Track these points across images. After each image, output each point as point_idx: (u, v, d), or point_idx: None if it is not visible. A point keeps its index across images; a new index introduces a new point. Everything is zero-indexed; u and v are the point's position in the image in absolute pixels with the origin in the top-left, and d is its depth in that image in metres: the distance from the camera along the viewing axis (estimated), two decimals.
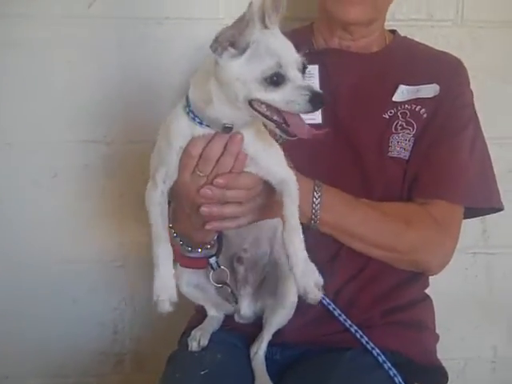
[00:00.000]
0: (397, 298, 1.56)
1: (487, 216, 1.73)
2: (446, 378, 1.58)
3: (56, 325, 2.01)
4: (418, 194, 1.53)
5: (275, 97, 1.10)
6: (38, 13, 1.84)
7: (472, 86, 1.65)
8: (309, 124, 1.46)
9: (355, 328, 1.48)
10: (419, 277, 1.59)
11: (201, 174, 1.21)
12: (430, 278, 1.64)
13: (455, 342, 2.08)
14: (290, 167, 1.28)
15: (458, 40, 1.93)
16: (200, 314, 1.58)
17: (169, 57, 1.89)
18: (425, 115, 1.56)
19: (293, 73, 1.11)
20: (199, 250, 1.38)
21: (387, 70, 1.61)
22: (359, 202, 1.47)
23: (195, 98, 1.19)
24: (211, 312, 1.55)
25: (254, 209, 1.28)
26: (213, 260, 1.39)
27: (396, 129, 1.55)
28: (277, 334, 1.49)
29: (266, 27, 1.14)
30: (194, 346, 1.49)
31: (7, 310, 1.97)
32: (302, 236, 1.22)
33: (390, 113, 1.56)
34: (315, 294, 1.19)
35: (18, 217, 1.95)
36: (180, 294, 1.48)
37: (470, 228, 1.80)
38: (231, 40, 1.10)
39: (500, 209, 1.64)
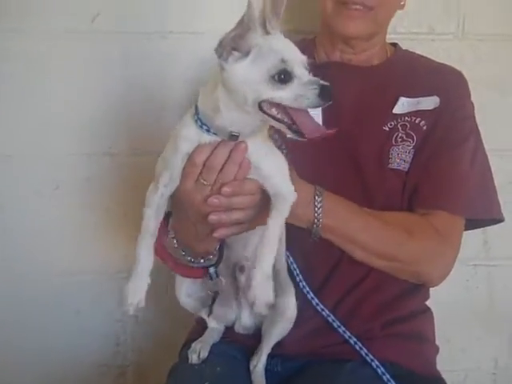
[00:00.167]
0: (397, 309, 1.56)
1: (488, 227, 1.74)
2: None
3: (58, 336, 2.01)
4: (418, 205, 1.54)
5: (283, 94, 1.11)
6: (42, 27, 1.86)
7: (473, 99, 1.65)
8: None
9: (354, 340, 1.48)
10: (420, 288, 1.59)
11: (205, 183, 1.22)
12: (431, 289, 1.63)
13: (456, 353, 2.08)
14: (292, 174, 1.29)
15: (459, 53, 1.95)
16: (200, 326, 1.58)
17: (173, 70, 1.91)
18: (425, 127, 1.57)
19: (299, 70, 1.12)
20: (202, 260, 1.38)
21: (388, 83, 1.63)
22: (361, 210, 1.47)
23: (204, 106, 1.20)
24: (211, 324, 1.55)
25: (257, 213, 1.29)
26: (212, 269, 1.39)
27: (396, 141, 1.56)
28: (277, 345, 1.49)
29: (267, 33, 1.16)
30: (194, 358, 1.49)
31: (9, 320, 1.98)
32: (275, 251, 1.23)
33: (391, 125, 1.57)
34: (261, 310, 1.22)
35: (20, 228, 1.96)
36: (181, 306, 1.52)
37: (471, 239, 1.81)
38: (234, 44, 1.12)
39: (500, 220, 1.64)
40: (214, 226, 1.28)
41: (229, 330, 1.55)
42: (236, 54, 1.12)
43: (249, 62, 1.12)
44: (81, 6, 1.86)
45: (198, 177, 1.23)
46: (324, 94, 1.10)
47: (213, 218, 1.26)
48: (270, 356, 1.50)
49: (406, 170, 1.55)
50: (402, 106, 1.59)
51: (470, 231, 1.64)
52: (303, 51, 1.63)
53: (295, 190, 1.27)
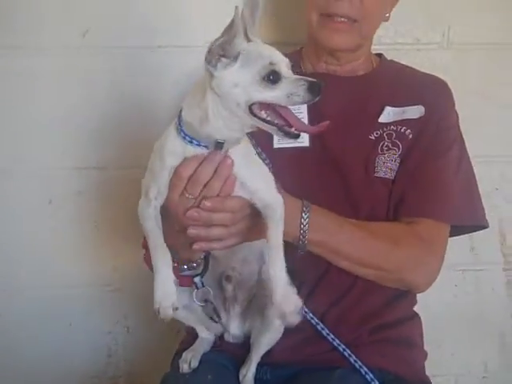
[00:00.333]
0: (385, 315, 1.58)
1: (474, 233, 1.75)
2: None
3: (50, 348, 2.03)
4: (404, 213, 1.56)
5: (275, 94, 1.14)
6: (32, 43, 1.88)
7: (458, 107, 1.68)
8: (297, 147, 1.54)
9: (343, 347, 1.49)
10: (407, 294, 1.61)
11: (189, 196, 1.24)
12: (421, 294, 1.65)
13: (446, 358, 2.10)
14: (278, 188, 1.31)
15: (444, 63, 1.97)
16: (191, 336, 1.59)
17: (161, 84, 1.93)
18: (410, 136, 1.58)
19: (285, 69, 1.17)
20: (185, 267, 1.40)
21: (373, 92, 1.65)
22: (346, 222, 1.48)
23: (189, 117, 1.22)
24: (201, 333, 1.56)
25: (239, 231, 1.31)
26: (197, 279, 1.40)
27: (382, 150, 1.58)
28: (266, 354, 1.51)
29: (249, 40, 1.20)
30: (184, 368, 1.50)
31: (0, 332, 1.99)
32: (283, 259, 1.25)
33: (376, 134, 1.59)
34: (294, 319, 1.24)
35: (13, 241, 1.98)
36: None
37: (459, 245, 1.84)
38: (222, 51, 1.15)
39: (485, 226, 1.67)
40: (193, 239, 1.30)
41: (219, 339, 1.56)
42: (224, 60, 1.16)
43: (238, 66, 1.16)
44: (70, 22, 1.88)
45: (183, 190, 1.24)
46: (313, 89, 1.14)
47: (191, 231, 1.28)
48: (260, 365, 1.52)
49: (392, 178, 1.57)
50: (388, 115, 1.61)
51: (456, 237, 1.66)
52: (290, 63, 1.67)
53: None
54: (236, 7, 1.12)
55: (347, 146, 1.59)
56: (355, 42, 1.61)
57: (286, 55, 1.74)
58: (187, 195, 1.24)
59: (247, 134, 1.27)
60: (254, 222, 1.29)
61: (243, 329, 1.51)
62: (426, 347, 1.69)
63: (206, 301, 1.43)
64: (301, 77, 1.17)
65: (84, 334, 2.04)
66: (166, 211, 1.29)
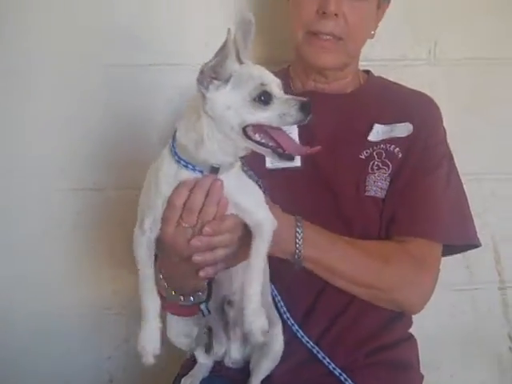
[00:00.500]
0: (380, 338, 1.57)
1: (469, 252, 1.71)
2: None
3: (51, 373, 2.00)
4: (395, 233, 1.55)
5: (267, 115, 1.16)
6: (30, 63, 1.89)
7: (446, 124, 1.67)
8: (289, 167, 1.52)
9: (339, 371, 1.48)
10: (402, 316, 1.59)
11: (186, 226, 1.23)
12: (418, 316, 1.62)
13: (445, 379, 2.07)
14: (271, 204, 1.31)
15: (431, 79, 1.96)
16: (190, 361, 1.58)
17: (154, 103, 1.93)
18: (400, 155, 1.58)
19: (276, 90, 1.18)
20: (192, 298, 1.38)
21: (362, 110, 1.65)
22: (340, 239, 1.49)
23: (184, 140, 1.22)
24: (201, 359, 1.54)
25: (241, 247, 1.30)
26: (203, 306, 1.39)
27: (372, 169, 1.57)
28: (265, 378, 1.49)
29: (241, 62, 1.21)
30: None
31: (1, 360, 1.97)
32: (261, 279, 1.26)
33: (366, 153, 1.59)
34: (258, 338, 1.25)
35: (9, 265, 1.96)
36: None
37: (454, 264, 1.82)
38: (213, 74, 1.16)
39: (477, 245, 1.64)
40: (199, 265, 1.28)
41: (218, 364, 1.55)
42: (216, 82, 1.16)
43: (230, 87, 1.17)
44: (69, 41, 1.89)
45: (178, 220, 1.23)
46: (304, 108, 1.16)
47: (197, 258, 1.26)
48: None
49: (383, 197, 1.56)
50: (377, 133, 1.61)
51: (451, 256, 1.64)
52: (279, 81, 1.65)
53: (276, 219, 1.28)
54: (228, 29, 1.12)
55: (338, 165, 1.59)
56: (342, 60, 1.61)
57: (274, 73, 1.76)
58: (184, 224, 1.22)
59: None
60: (247, 240, 1.28)
61: (243, 353, 1.50)
62: (423, 369, 1.66)
63: (208, 329, 1.44)
64: (292, 97, 1.18)
65: (84, 359, 2.02)
66: (163, 246, 1.28)
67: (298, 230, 1.38)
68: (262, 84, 1.16)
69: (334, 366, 1.49)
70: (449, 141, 1.67)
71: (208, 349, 1.46)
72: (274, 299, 1.49)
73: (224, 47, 1.14)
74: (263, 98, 1.15)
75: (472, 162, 1.96)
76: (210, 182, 1.22)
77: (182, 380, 1.54)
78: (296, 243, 1.38)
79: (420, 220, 1.55)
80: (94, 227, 1.97)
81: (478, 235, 1.65)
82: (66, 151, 1.93)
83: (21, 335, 1.99)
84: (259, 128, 1.17)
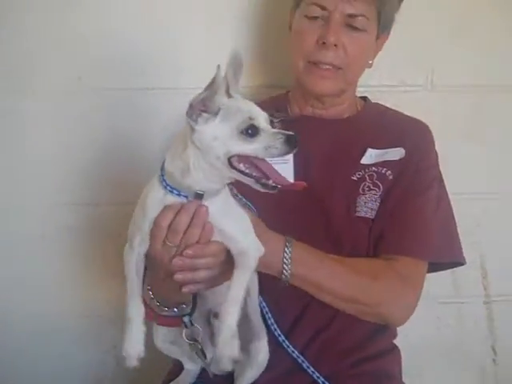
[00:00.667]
0: (365, 349, 1.62)
1: (457, 268, 1.77)
2: None
3: (49, 373, 2.07)
4: (383, 251, 1.60)
5: (253, 147, 1.21)
6: (27, 86, 1.97)
7: (442, 147, 1.75)
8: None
9: (323, 380, 1.54)
10: (386, 328, 1.66)
11: (170, 245, 1.29)
12: (404, 327, 1.67)
13: None
14: (260, 224, 1.37)
15: (428, 104, 2.05)
16: (177, 367, 1.64)
17: (150, 125, 2.00)
18: (391, 177, 1.64)
19: (264, 124, 1.23)
20: (175, 310, 1.45)
21: (357, 135, 1.71)
22: (328, 257, 1.53)
23: (171, 168, 1.27)
24: (187, 365, 1.60)
25: (223, 271, 1.36)
26: (186, 319, 1.45)
27: (363, 190, 1.63)
28: None
29: (230, 96, 1.27)
30: None
31: None
32: (239, 309, 1.30)
33: (359, 175, 1.65)
34: (227, 366, 1.30)
35: (4, 276, 2.03)
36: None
37: (441, 279, 1.88)
38: (203, 107, 1.21)
39: (462, 263, 1.72)
40: (181, 283, 1.35)
41: (204, 371, 1.59)
42: (205, 115, 1.22)
43: (218, 120, 1.22)
44: (67, 64, 1.96)
45: (164, 239, 1.29)
46: (289, 142, 1.21)
47: (178, 276, 1.33)
48: None
49: (373, 217, 1.61)
50: (370, 157, 1.67)
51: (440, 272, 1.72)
52: (276, 107, 1.74)
53: (265, 241, 1.35)
54: (218, 66, 1.18)
55: (330, 185, 1.65)
56: (339, 87, 1.68)
57: (273, 98, 1.85)
58: (169, 243, 1.29)
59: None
60: (231, 263, 1.34)
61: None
62: (407, 379, 1.73)
63: (194, 340, 1.47)
64: (278, 130, 1.24)
65: (75, 365, 2.08)
66: (151, 260, 1.35)
67: (286, 250, 1.43)
68: (250, 118, 1.21)
69: (318, 375, 1.54)
70: (443, 163, 1.74)
71: (201, 356, 1.49)
72: (261, 310, 1.54)
73: (213, 83, 1.18)
74: (250, 131, 1.20)
75: (465, 183, 2.05)
76: (195, 206, 1.27)
77: None
78: (284, 263, 1.42)
79: (407, 239, 1.60)
80: (89, 241, 2.04)
81: (468, 252, 1.73)
82: (64, 168, 2.01)
83: (18, 336, 2.05)
84: (244, 158, 1.22)
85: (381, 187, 1.64)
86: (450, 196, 1.74)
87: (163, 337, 1.53)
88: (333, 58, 1.63)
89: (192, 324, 1.46)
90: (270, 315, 1.55)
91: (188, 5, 1.97)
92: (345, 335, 1.60)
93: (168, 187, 1.28)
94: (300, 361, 1.55)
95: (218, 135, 1.22)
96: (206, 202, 1.29)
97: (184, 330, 1.47)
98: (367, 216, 1.62)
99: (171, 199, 1.28)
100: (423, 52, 2.05)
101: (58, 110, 1.99)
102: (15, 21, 1.93)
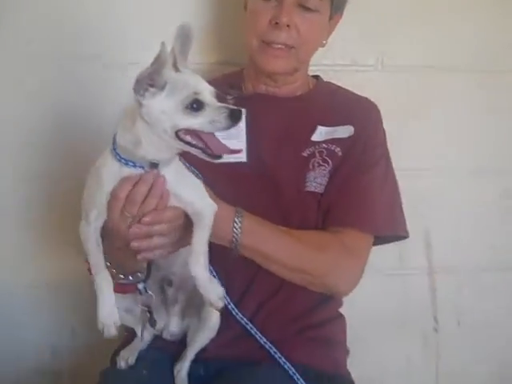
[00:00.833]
0: (310, 317, 1.68)
1: (401, 241, 1.84)
2: None
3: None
4: (330, 223, 1.66)
5: (198, 121, 1.24)
6: None
7: (390, 125, 1.82)
8: (235, 162, 1.64)
9: (269, 345, 1.60)
10: (332, 297, 1.72)
11: (128, 215, 1.33)
12: (351, 297, 1.72)
13: (372, 354, 2.20)
14: (213, 196, 1.41)
15: (379, 84, 2.12)
16: (131, 335, 1.67)
17: (111, 98, 1.98)
18: (340, 153, 1.70)
19: (209, 98, 1.25)
20: (130, 278, 1.49)
21: (308, 113, 1.76)
22: (277, 229, 1.58)
23: (123, 141, 1.31)
24: (139, 333, 1.62)
25: (177, 238, 1.40)
26: (141, 286, 1.50)
27: (313, 166, 1.68)
28: (200, 351, 1.60)
29: (178, 70, 1.29)
30: (122, 364, 1.60)
31: None
32: (206, 258, 1.37)
33: (309, 151, 1.70)
34: (218, 305, 1.39)
35: None
36: None
37: (387, 251, 1.93)
38: (150, 81, 1.23)
39: (405, 236, 1.79)
40: (137, 251, 1.39)
41: (156, 337, 1.64)
42: (152, 89, 1.24)
43: (165, 95, 1.24)
44: (12, 31, 1.95)
45: (121, 210, 1.32)
46: (233, 116, 1.24)
47: (134, 244, 1.37)
48: (194, 361, 1.60)
49: (322, 192, 1.67)
50: (320, 134, 1.73)
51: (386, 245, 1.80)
52: (232, 83, 1.78)
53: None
54: (162, 42, 1.20)
55: (281, 161, 1.70)
56: (292, 66, 1.72)
57: (226, 75, 1.89)
58: (126, 214, 1.33)
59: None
60: (189, 229, 1.39)
61: (182, 327, 1.61)
62: (352, 346, 1.81)
63: (147, 306, 1.52)
64: (223, 105, 1.26)
65: (30, 333, 2.11)
66: (107, 230, 1.38)
67: (236, 220, 1.48)
68: (195, 92, 1.23)
69: (265, 340, 1.59)
70: (391, 140, 1.80)
71: (153, 324, 1.54)
72: None
73: (158, 57, 1.20)
74: (195, 106, 1.23)
75: (411, 160, 2.13)
76: (153, 176, 1.30)
77: (121, 352, 1.63)
78: (234, 232, 1.47)
79: (353, 213, 1.66)
80: (45, 213, 2.04)
81: (413, 225, 1.79)
82: (20, 141, 2.00)
83: None
84: (191, 131, 1.26)
85: (330, 163, 1.69)
86: (398, 172, 1.80)
87: (118, 305, 1.52)
88: (285, 38, 1.66)
89: (146, 291, 1.50)
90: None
91: None
92: (291, 304, 1.66)
93: (123, 160, 1.31)
94: (248, 327, 1.60)
95: (165, 110, 1.24)
96: (162, 172, 1.31)
97: (138, 297, 1.51)
98: (316, 191, 1.68)
99: (127, 171, 1.31)
100: (374, 33, 2.11)
101: (15, 81, 1.97)
102: None
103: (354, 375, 1.77)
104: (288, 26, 1.65)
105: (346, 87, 1.89)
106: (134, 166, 1.31)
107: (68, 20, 1.96)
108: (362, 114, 1.78)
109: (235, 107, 1.26)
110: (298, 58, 1.72)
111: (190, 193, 1.37)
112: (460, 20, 2.16)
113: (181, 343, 1.63)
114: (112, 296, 1.38)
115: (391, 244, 1.86)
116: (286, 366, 1.58)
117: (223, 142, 1.64)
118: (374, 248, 1.76)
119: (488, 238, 2.31)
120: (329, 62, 2.07)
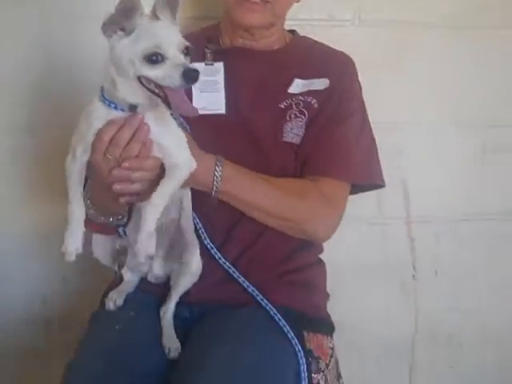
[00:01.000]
0: (291, 261, 1.74)
1: (380, 190, 1.89)
2: (333, 328, 1.80)
3: None
4: (308, 172, 1.70)
5: (155, 73, 1.25)
6: None
7: (367, 79, 1.86)
8: (214, 114, 1.70)
9: (252, 288, 1.65)
10: (311, 243, 1.79)
11: (110, 157, 1.38)
12: (333, 244, 1.79)
13: (351, 299, 2.26)
14: (194, 146, 1.45)
15: (356, 38, 2.15)
16: (118, 279, 1.73)
17: (90, 48, 1.90)
18: (316, 105, 1.74)
19: (172, 52, 1.26)
20: (111, 219, 1.56)
21: (285, 66, 1.80)
22: (257, 176, 1.62)
23: (106, 84, 1.35)
24: (127, 276, 1.71)
25: (154, 184, 1.42)
26: (121, 229, 1.56)
27: (290, 117, 1.73)
28: (185, 294, 1.65)
29: (157, 18, 1.31)
30: (110, 305, 1.66)
31: None
32: (158, 214, 1.38)
33: (286, 103, 1.75)
34: (142, 259, 1.42)
35: None
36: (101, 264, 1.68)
37: (366, 200, 2.02)
38: (119, 24, 1.26)
39: (381, 186, 1.84)
40: (118, 194, 1.45)
41: (143, 280, 1.71)
42: (120, 33, 1.27)
43: (129, 40, 1.27)
44: None
45: (105, 151, 1.36)
46: (188, 76, 1.24)
47: (116, 187, 1.42)
48: (179, 303, 1.66)
49: (298, 143, 1.72)
50: (297, 86, 1.77)
51: (365, 194, 1.86)
52: (210, 36, 1.82)
53: (198, 159, 1.45)
54: None
55: (259, 113, 1.74)
56: (267, 20, 1.74)
57: (204, 29, 1.92)
58: (109, 156, 1.37)
59: None
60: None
61: (165, 270, 1.67)
62: (332, 293, 1.88)
63: (125, 249, 1.59)
64: (183, 62, 1.26)
65: (20, 283, 2.17)
66: (91, 171, 1.43)
67: (217, 168, 1.52)
68: (157, 45, 1.25)
69: (248, 284, 1.65)
70: (368, 94, 1.84)
71: (120, 265, 1.61)
72: (195, 226, 1.64)
73: (123, 1, 1.23)
74: (154, 58, 1.25)
75: (388, 113, 2.17)
76: (138, 122, 1.34)
77: (110, 293, 1.68)
78: (214, 180, 1.51)
79: (330, 162, 1.71)
80: (31, 163, 2.08)
81: (391, 176, 1.85)
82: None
83: None
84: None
85: (306, 115, 1.74)
86: (374, 125, 1.84)
87: (101, 247, 1.62)
88: None
89: (125, 234, 1.56)
90: (203, 230, 1.66)
91: None
92: (272, 249, 1.71)
93: (106, 101, 1.36)
94: (231, 271, 1.65)
95: (127, 55, 1.28)
96: (146, 119, 1.35)
97: (117, 240, 1.58)
98: (293, 141, 1.72)
99: (114, 114, 1.36)
100: None
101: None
102: None
103: (334, 320, 1.84)
104: None
105: (323, 42, 1.92)
106: (116, 107, 1.36)
107: None
108: (338, 68, 1.82)
109: (192, 67, 1.26)
110: (274, 13, 1.74)
111: (171, 143, 1.41)
112: None
113: (166, 286, 1.68)
114: (80, 226, 1.42)
115: (370, 194, 1.92)
116: (267, 308, 1.64)
117: (202, 94, 1.73)
118: (354, 198, 1.82)
119: (466, 189, 2.37)
120: (306, 16, 2.10)
